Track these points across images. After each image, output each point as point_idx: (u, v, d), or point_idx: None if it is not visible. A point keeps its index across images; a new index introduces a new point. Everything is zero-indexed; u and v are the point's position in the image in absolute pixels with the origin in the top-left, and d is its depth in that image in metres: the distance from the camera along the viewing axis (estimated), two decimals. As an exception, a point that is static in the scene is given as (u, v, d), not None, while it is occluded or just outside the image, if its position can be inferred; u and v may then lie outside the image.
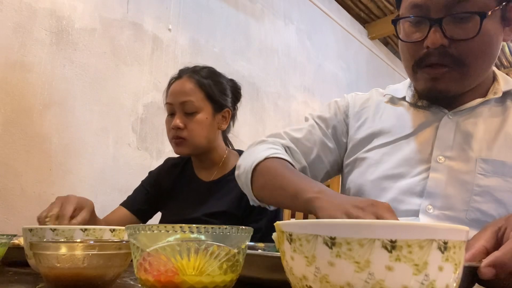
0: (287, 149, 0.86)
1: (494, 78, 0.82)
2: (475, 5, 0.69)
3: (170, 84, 1.31)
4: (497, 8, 0.70)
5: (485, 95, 0.79)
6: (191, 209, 1.23)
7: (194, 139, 1.22)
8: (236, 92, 1.36)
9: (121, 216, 1.28)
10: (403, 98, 0.85)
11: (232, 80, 1.37)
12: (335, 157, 0.91)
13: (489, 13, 0.68)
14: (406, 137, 0.81)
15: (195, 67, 1.32)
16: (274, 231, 0.34)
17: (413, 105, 0.83)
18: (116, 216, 1.27)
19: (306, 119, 0.94)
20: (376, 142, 0.84)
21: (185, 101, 1.22)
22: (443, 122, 0.78)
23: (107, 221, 1.22)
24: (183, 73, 1.30)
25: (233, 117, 1.35)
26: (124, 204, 1.30)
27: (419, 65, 0.75)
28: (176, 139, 1.23)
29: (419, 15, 0.73)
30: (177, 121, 1.22)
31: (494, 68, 0.83)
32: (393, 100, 0.88)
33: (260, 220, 1.21)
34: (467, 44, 0.70)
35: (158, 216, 1.41)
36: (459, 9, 0.69)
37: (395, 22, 0.78)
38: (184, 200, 1.27)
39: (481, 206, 0.70)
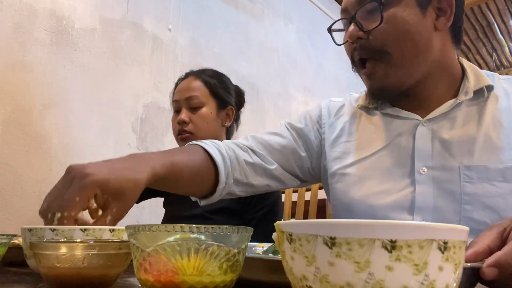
0: (248, 150, 0.86)
1: (464, 73, 0.79)
2: None
3: (176, 84, 1.38)
4: None
5: (455, 93, 0.78)
6: (192, 205, 1.24)
7: (199, 133, 1.26)
8: (239, 96, 1.42)
9: None
10: (375, 107, 0.84)
11: (236, 86, 1.44)
12: (306, 164, 0.89)
13: None
14: (385, 149, 0.79)
15: (200, 69, 1.40)
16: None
17: (387, 114, 0.82)
18: None
19: (280, 125, 0.93)
20: (356, 156, 0.82)
21: (190, 96, 1.28)
22: (419, 131, 0.76)
23: None
24: (189, 74, 1.37)
25: (237, 120, 1.39)
26: None
27: (354, 65, 0.78)
28: (182, 133, 1.27)
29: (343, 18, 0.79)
30: (182, 116, 1.27)
31: (464, 61, 0.81)
32: (366, 109, 0.86)
33: (257, 212, 1.22)
34: (381, 33, 0.72)
35: (157, 213, 1.40)
36: (367, 1, 0.72)
37: (329, 30, 0.83)
38: (186, 196, 1.29)
39: (473, 214, 0.69)
